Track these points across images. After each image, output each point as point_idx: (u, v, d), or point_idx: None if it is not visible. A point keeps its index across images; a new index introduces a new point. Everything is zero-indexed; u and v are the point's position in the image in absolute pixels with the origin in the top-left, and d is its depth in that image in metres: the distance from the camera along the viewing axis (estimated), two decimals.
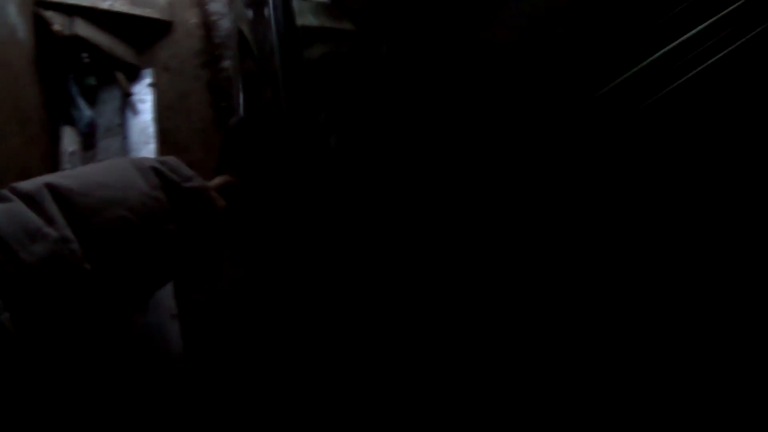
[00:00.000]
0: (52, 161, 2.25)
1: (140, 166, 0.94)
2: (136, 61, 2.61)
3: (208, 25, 2.76)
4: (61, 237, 0.76)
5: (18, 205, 0.77)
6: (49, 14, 2.42)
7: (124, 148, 2.35)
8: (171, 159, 0.99)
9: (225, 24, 2.76)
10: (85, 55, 2.45)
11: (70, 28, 2.44)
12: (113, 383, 1.73)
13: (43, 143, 2.25)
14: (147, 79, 2.58)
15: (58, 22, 2.42)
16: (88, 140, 2.32)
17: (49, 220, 0.76)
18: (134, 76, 2.58)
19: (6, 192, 0.80)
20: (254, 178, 1.44)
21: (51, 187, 0.80)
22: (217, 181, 1.22)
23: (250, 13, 1.91)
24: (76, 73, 2.44)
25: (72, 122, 2.35)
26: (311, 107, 1.37)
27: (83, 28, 2.47)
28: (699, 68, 0.88)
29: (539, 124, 1.03)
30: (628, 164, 0.95)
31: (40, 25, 2.42)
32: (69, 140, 2.26)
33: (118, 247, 0.83)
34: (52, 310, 0.74)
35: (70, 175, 0.86)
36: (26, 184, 0.80)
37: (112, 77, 2.50)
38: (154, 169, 0.93)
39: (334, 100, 1.45)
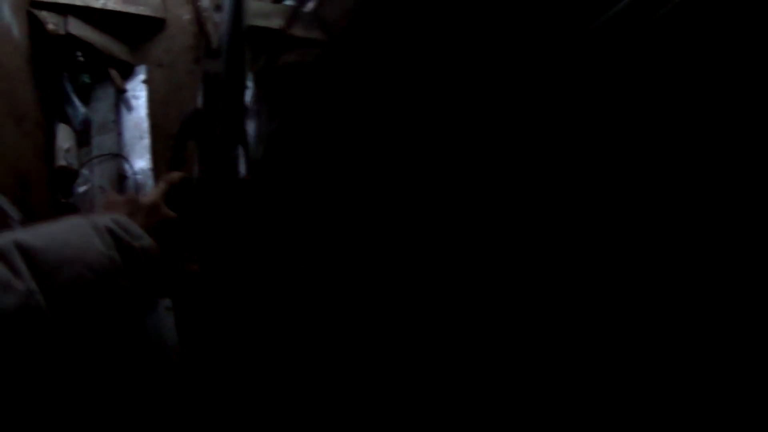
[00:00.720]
0: (48, 158, 2.28)
1: (97, 227, 1.05)
2: (129, 59, 2.64)
3: (200, 21, 2.78)
4: (28, 290, 0.86)
5: None
6: (43, 14, 2.45)
7: (119, 144, 2.38)
8: (123, 219, 1.11)
9: (217, 19, 2.78)
10: (79, 53, 2.48)
11: (64, 27, 2.47)
12: (111, 378, 1.76)
13: (38, 140, 2.28)
14: (141, 76, 2.61)
15: (52, 22, 2.45)
16: (83, 137, 2.35)
17: (18, 274, 0.86)
18: (128, 73, 2.60)
19: None
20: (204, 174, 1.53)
21: (19, 245, 0.91)
22: (162, 188, 1.35)
23: (216, 15, 1.95)
24: (70, 72, 2.47)
25: (67, 120, 2.38)
26: (244, 112, 1.42)
27: (77, 27, 2.50)
28: None
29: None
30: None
31: (35, 25, 2.45)
32: (64, 137, 2.28)
33: (77, 300, 0.93)
34: (21, 353, 0.83)
35: (36, 235, 0.97)
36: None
37: (106, 74, 2.52)
38: (109, 230, 1.05)
39: (289, 106, 1.49)
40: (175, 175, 1.39)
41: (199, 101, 1.72)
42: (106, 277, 0.99)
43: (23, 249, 0.91)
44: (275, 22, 2.33)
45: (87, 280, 0.95)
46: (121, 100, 2.51)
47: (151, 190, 1.41)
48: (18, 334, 0.84)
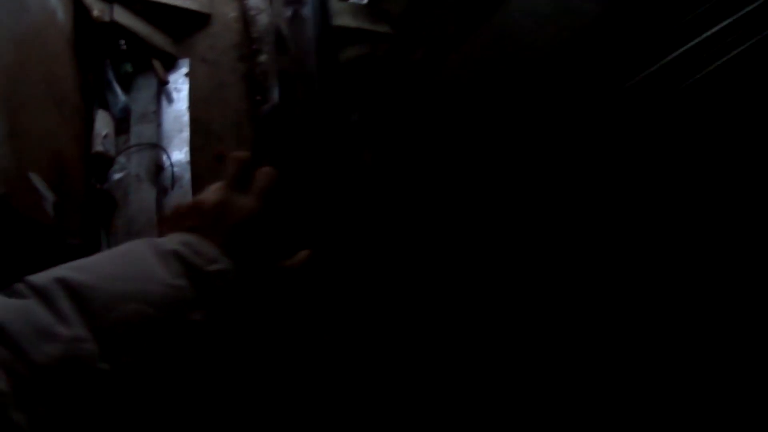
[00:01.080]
0: (85, 143, 2.21)
1: (160, 251, 0.85)
2: (173, 51, 2.59)
3: (246, 20, 2.74)
4: (74, 337, 0.71)
5: (30, 303, 0.73)
6: (89, 0, 2.41)
7: (158, 135, 2.31)
8: (192, 239, 0.89)
9: (263, 20, 2.74)
10: (122, 41, 2.44)
11: (109, 15, 2.43)
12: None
13: (77, 124, 2.22)
14: (183, 69, 2.56)
15: (97, 8, 2.41)
16: (122, 125, 2.28)
17: (62, 319, 0.72)
18: (171, 65, 2.55)
19: (21, 287, 0.75)
20: (287, 169, 1.37)
21: (64, 283, 0.76)
22: (230, 173, 1.09)
23: (288, 12, 1.89)
24: (112, 59, 2.42)
25: (106, 106, 2.32)
26: (343, 107, 1.32)
27: (122, 15, 2.45)
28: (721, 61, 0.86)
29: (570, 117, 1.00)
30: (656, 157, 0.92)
31: (80, 10, 2.41)
32: (102, 123, 2.22)
33: (138, 344, 0.77)
34: (68, 410, 0.69)
35: (83, 268, 0.81)
36: (39, 278, 0.76)
37: (149, 65, 2.47)
38: (175, 254, 0.85)
39: (368, 101, 1.40)
40: (240, 153, 1.11)
41: (275, 96, 1.66)
42: (173, 311, 0.82)
43: (70, 287, 0.76)
44: (345, 20, 2.27)
45: (148, 318, 0.80)
46: (162, 91, 2.45)
47: (214, 186, 1.10)
48: (65, 391, 0.70)
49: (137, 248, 0.85)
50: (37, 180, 1.85)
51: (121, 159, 2.18)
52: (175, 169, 2.25)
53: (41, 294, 0.73)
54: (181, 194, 2.17)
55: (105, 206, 2.11)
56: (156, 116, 2.34)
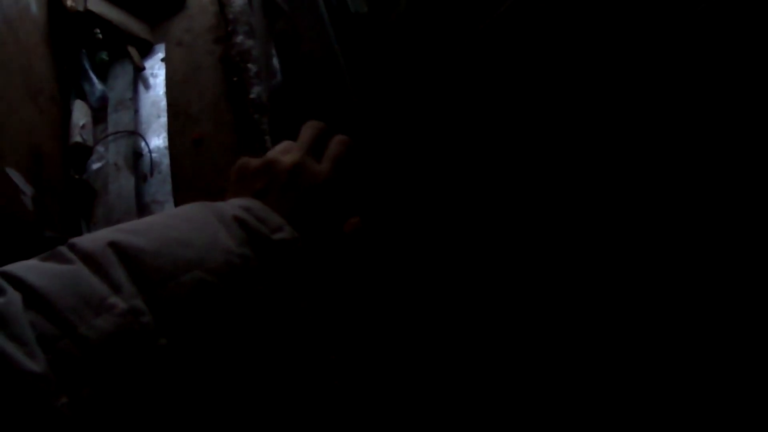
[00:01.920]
0: (63, 134, 2.24)
1: (222, 216, 0.77)
2: (148, 37, 2.60)
3: (221, 2, 2.73)
4: (130, 308, 0.63)
5: (79, 269, 0.65)
6: None
7: (136, 121, 2.33)
8: (256, 205, 0.81)
9: (238, 1, 2.72)
10: (97, 30, 2.45)
11: (83, 4, 2.44)
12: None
13: (54, 116, 2.25)
14: (159, 54, 2.57)
15: None
16: (100, 114, 2.31)
17: (116, 288, 0.64)
18: (147, 51, 2.56)
19: (65, 250, 0.66)
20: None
21: (118, 247, 0.67)
22: (306, 138, 1.00)
23: None
24: (88, 49, 2.44)
25: (83, 96, 2.34)
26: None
27: (96, 4, 2.47)
28: None
29: None
30: None
31: (53, 1, 2.42)
32: (80, 114, 2.24)
33: (198, 317, 0.69)
34: (117, 390, 0.61)
35: (139, 231, 0.72)
36: (88, 242, 0.67)
37: (125, 52, 2.48)
38: (239, 221, 0.77)
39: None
40: (317, 121, 1.00)
41: (276, 69, 1.64)
42: (237, 282, 0.73)
43: (124, 252, 0.67)
44: None
45: (211, 288, 0.70)
46: (138, 78, 2.47)
47: (286, 145, 0.98)
48: (116, 370, 0.61)
49: (198, 212, 0.77)
50: (14, 175, 1.89)
51: (100, 148, 2.20)
52: (154, 155, 2.27)
53: (91, 259, 0.64)
54: (160, 180, 2.20)
55: (84, 196, 2.14)
56: (133, 103, 2.35)
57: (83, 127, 2.22)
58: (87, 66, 2.37)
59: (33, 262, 0.62)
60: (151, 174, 2.22)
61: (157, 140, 2.33)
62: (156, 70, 2.51)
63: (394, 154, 1.20)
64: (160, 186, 2.19)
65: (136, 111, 2.36)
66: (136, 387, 0.60)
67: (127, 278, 0.64)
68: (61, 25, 2.43)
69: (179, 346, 0.64)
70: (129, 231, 0.69)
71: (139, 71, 2.46)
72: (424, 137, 1.16)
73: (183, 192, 2.19)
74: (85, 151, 2.18)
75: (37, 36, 2.32)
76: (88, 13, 2.44)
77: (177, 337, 0.64)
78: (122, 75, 2.43)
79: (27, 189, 1.95)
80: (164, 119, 2.38)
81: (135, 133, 2.28)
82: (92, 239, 0.66)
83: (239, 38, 2.66)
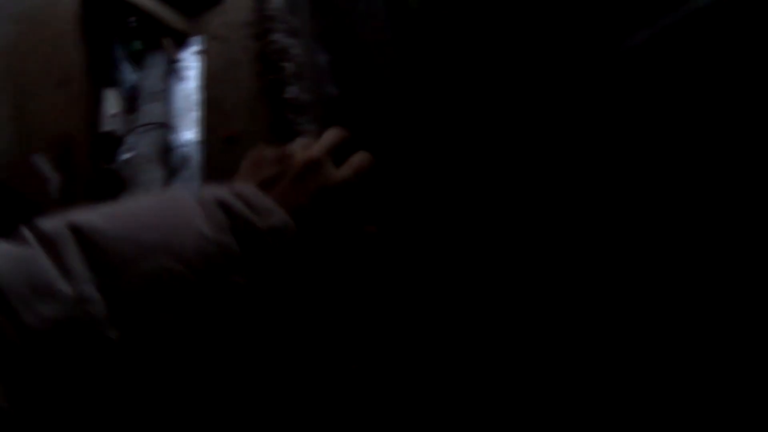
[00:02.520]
0: (93, 122, 2.14)
1: (203, 199, 0.73)
2: (184, 28, 2.51)
3: None
4: (79, 296, 0.59)
5: (33, 252, 0.61)
6: None
7: (167, 113, 2.24)
8: (250, 191, 0.77)
9: None
10: (132, 19, 2.36)
11: None
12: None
13: (84, 104, 2.16)
14: (195, 47, 2.47)
15: None
16: (131, 104, 2.21)
17: (67, 273, 0.59)
18: (182, 43, 2.47)
19: (25, 231, 0.64)
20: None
21: (75, 229, 0.63)
22: (327, 143, 0.90)
23: None
24: (122, 37, 2.35)
25: (115, 85, 2.25)
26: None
27: None
28: None
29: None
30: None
31: None
32: (111, 102, 2.16)
33: (159, 309, 0.63)
34: (60, 385, 0.57)
35: (105, 213, 0.67)
36: (48, 223, 0.63)
37: (159, 43, 2.39)
38: (222, 204, 0.72)
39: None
40: (341, 132, 0.95)
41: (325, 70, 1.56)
42: (210, 272, 0.67)
43: (82, 234, 0.62)
44: None
45: (177, 277, 0.64)
46: (172, 69, 2.37)
47: (306, 142, 0.91)
48: (59, 362, 0.56)
49: (177, 194, 0.74)
50: (41, 162, 1.79)
51: (130, 139, 2.11)
52: (185, 149, 2.17)
53: (47, 241, 0.61)
54: (190, 175, 2.10)
55: (112, 186, 2.04)
56: (165, 95, 2.26)
57: (114, 116, 2.13)
58: (120, 54, 2.28)
59: None
60: (181, 168, 2.12)
61: (189, 134, 2.23)
62: (190, 63, 2.42)
63: (447, 152, 1.12)
64: (190, 181, 2.09)
65: (169, 103, 2.27)
66: (82, 381, 0.55)
67: (82, 263, 0.58)
68: (94, 12, 2.35)
69: (136, 341, 0.58)
70: (96, 213, 0.64)
71: (173, 63, 2.37)
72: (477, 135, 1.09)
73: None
74: (115, 141, 2.09)
75: (70, 22, 2.24)
76: (123, 2, 2.35)
77: (134, 330, 0.58)
78: (156, 65, 2.34)
79: (53, 176, 1.85)
80: (197, 113, 2.28)
81: (166, 126, 2.18)
82: (56, 220, 0.61)
83: (277, 36, 2.58)
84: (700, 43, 0.74)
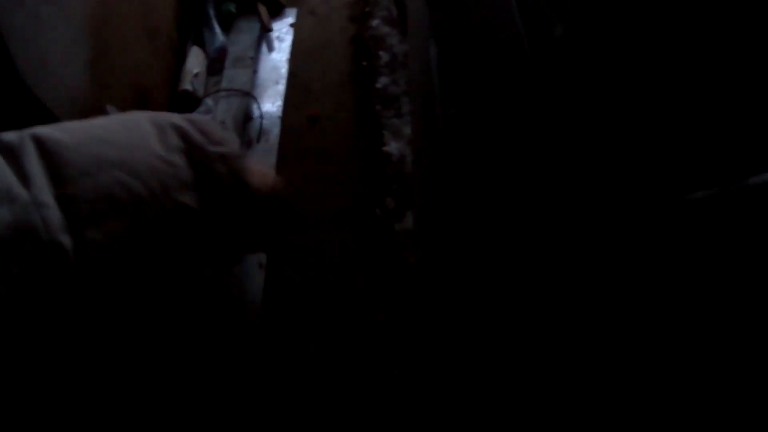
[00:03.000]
0: (173, 79, 2.00)
1: (159, 122, 0.77)
2: None
3: None
4: (34, 200, 0.59)
5: None
6: None
7: (252, 81, 2.09)
8: (202, 118, 0.86)
9: None
10: None
11: None
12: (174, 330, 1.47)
13: (167, 59, 2.03)
14: (289, 19, 2.35)
15: None
16: (216, 65, 2.08)
17: (25, 179, 0.60)
18: (277, 13, 2.35)
19: None
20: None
21: (37, 139, 0.64)
22: (263, 170, 1.00)
23: None
24: None
25: (202, 44, 2.11)
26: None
27: None
28: None
29: None
30: None
31: None
32: (195, 61, 2.02)
33: (112, 218, 0.64)
34: (12, 290, 0.57)
35: (68, 127, 0.70)
36: (12, 134, 0.64)
37: (253, 8, 2.26)
38: (176, 128, 0.77)
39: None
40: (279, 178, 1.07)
41: (433, 63, 1.44)
42: (160, 188, 0.70)
43: (43, 145, 0.63)
44: None
45: (130, 191, 0.66)
46: (263, 38, 2.24)
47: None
48: (13, 265, 0.56)
49: (135, 116, 0.78)
50: (113, 113, 1.65)
51: (209, 101, 1.96)
52: (265, 122, 2.02)
53: (9, 150, 0.62)
54: (267, 149, 1.94)
55: None
56: (253, 63, 2.12)
57: (196, 76, 1.99)
58: (211, 14, 2.15)
59: None
60: (258, 140, 1.97)
61: (271, 107, 2.08)
62: (283, 34, 2.28)
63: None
64: (265, 155, 1.94)
65: (255, 71, 2.13)
66: (35, 290, 0.60)
67: (40, 170, 0.64)
68: None
69: (87, 248, 0.62)
70: (59, 126, 0.70)
71: (265, 31, 2.24)
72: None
73: (288, 167, 1.93)
74: (193, 101, 1.95)
75: None
76: None
77: (85, 237, 0.62)
78: (247, 31, 2.20)
79: None
80: (282, 87, 2.14)
81: (249, 95, 2.03)
82: (18, 131, 0.67)
83: (375, 22, 2.43)
84: (750, 211, 0.83)
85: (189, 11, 2.18)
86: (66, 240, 0.58)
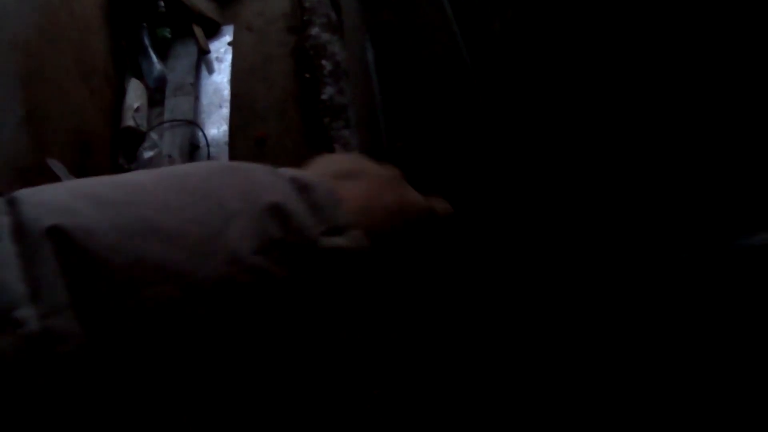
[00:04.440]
0: (115, 116, 1.98)
1: (250, 194, 0.52)
2: (216, 17, 2.35)
3: None
4: (44, 330, 0.42)
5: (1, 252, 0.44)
6: None
7: (195, 109, 2.07)
8: (322, 185, 0.56)
9: None
10: (161, 3, 2.20)
11: None
12: None
13: (106, 97, 1.99)
14: (226, 37, 2.31)
15: None
16: (156, 96, 2.05)
17: (35, 292, 0.43)
18: (213, 33, 2.31)
19: (2, 205, 0.46)
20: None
21: (60, 232, 0.44)
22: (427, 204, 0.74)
23: None
24: (149, 23, 2.18)
25: (140, 75, 2.08)
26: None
27: None
28: None
29: None
30: None
31: None
32: (135, 94, 1.99)
33: (163, 352, 0.47)
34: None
35: (106, 199, 0.48)
36: (33, 210, 0.45)
37: (189, 31, 2.23)
38: (276, 209, 0.51)
39: None
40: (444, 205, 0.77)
41: (371, 65, 1.42)
42: (238, 307, 0.50)
43: (67, 240, 0.45)
44: None
45: (191, 315, 0.48)
46: (202, 61, 2.21)
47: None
48: (22, 408, 0.42)
49: (215, 179, 0.53)
50: (56, 167, 1.63)
51: (153, 135, 1.94)
52: (212, 149, 2.01)
53: (22, 237, 0.43)
54: None
55: None
56: (194, 89, 2.10)
57: (137, 110, 1.96)
58: (147, 42, 2.12)
59: None
60: None
61: (216, 133, 2.07)
62: (222, 54, 2.26)
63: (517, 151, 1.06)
64: None
65: (197, 98, 2.10)
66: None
67: (59, 279, 0.45)
68: None
69: (123, 386, 0.46)
70: (92, 196, 0.46)
71: (203, 54, 2.21)
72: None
73: None
74: (137, 137, 1.92)
75: (94, 7, 2.07)
76: None
77: (123, 375, 0.46)
78: (185, 56, 2.17)
79: (70, 180, 1.69)
80: (226, 110, 2.12)
81: (193, 123, 2.01)
82: (41, 204, 0.45)
83: (315, 30, 2.40)
84: (741, 274, 0.82)
85: (123, 43, 2.14)
86: (89, 379, 0.44)
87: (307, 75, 2.27)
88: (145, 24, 2.17)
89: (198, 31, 2.23)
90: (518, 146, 1.04)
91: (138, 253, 0.46)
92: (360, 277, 0.59)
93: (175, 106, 2.04)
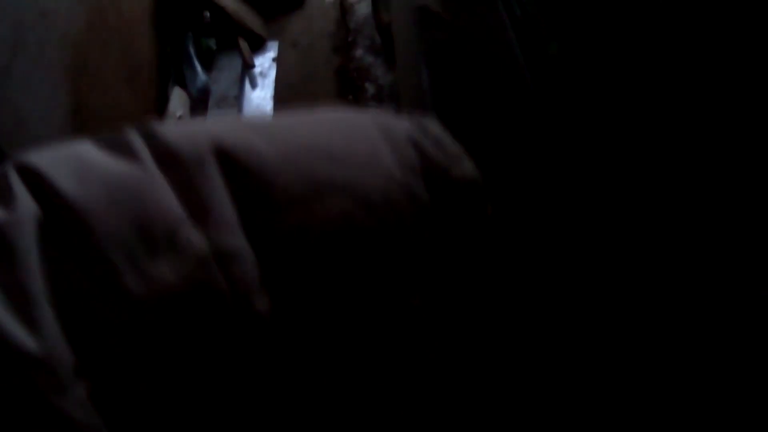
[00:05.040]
0: (158, 120, 1.92)
1: (389, 129, 0.54)
2: (261, 31, 2.31)
3: (344, 8, 2.45)
4: (214, 250, 0.41)
5: (147, 179, 0.42)
6: None
7: None
8: (432, 124, 0.60)
9: (362, 9, 2.45)
10: (207, 13, 2.15)
11: None
12: None
13: (149, 101, 1.95)
14: (271, 53, 2.27)
15: None
16: (199, 106, 2.00)
17: (199, 212, 0.41)
18: (258, 47, 2.27)
19: (135, 139, 0.47)
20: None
21: (221, 151, 0.44)
22: None
23: None
24: (195, 32, 2.14)
25: (184, 84, 2.03)
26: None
27: None
28: None
29: None
30: None
31: None
32: (178, 102, 1.94)
33: (329, 267, 0.45)
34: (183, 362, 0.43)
35: (259, 130, 0.48)
36: (179, 137, 0.46)
37: (234, 43, 2.19)
38: (412, 140, 0.54)
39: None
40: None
41: (426, 85, 1.40)
42: (396, 224, 0.49)
43: (231, 159, 0.44)
44: None
45: (359, 229, 0.47)
46: (246, 74, 2.16)
47: None
48: (179, 339, 0.41)
49: (356, 118, 0.56)
50: None
51: None
52: None
53: (177, 166, 0.44)
54: None
55: None
56: (237, 102, 2.05)
57: (180, 118, 1.91)
58: (192, 51, 2.08)
59: (81, 150, 0.42)
60: None
61: None
62: (266, 69, 2.21)
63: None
64: None
65: (240, 111, 2.05)
66: (215, 354, 0.41)
67: (228, 200, 0.43)
68: (167, 3, 2.15)
69: (292, 311, 0.42)
70: (247, 129, 0.47)
71: (248, 68, 2.16)
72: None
73: None
74: None
75: (141, 11, 2.05)
76: None
77: (290, 296, 0.42)
78: (229, 68, 2.13)
79: None
80: None
81: None
82: (188, 133, 0.45)
83: (359, 52, 2.37)
84: None
85: (169, 49, 2.10)
86: (262, 302, 0.42)
87: (350, 96, 2.23)
88: (190, 33, 2.13)
89: (243, 44, 2.19)
90: (584, 173, 1.02)
91: (304, 171, 0.46)
92: (478, 217, 0.60)
93: (218, 116, 1.99)
